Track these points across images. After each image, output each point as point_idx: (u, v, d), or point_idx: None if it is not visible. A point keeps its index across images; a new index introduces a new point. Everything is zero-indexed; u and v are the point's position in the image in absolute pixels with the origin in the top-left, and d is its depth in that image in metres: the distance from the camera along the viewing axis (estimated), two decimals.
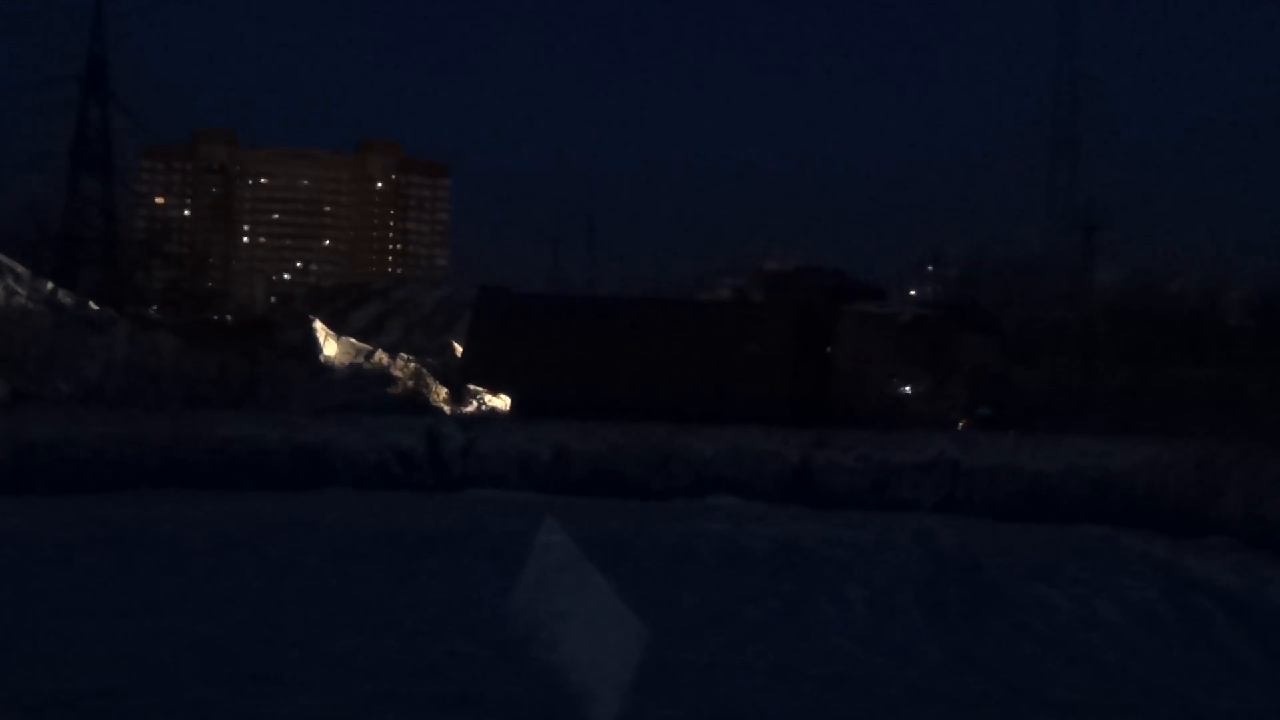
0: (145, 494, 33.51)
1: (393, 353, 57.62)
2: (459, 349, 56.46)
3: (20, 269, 55.01)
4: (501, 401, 50.66)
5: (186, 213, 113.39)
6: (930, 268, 65.30)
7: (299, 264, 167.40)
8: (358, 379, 53.18)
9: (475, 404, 52.19)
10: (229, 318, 65.62)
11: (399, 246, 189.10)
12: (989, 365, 48.15)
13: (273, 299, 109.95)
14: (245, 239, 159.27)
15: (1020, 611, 21.77)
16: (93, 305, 55.76)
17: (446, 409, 51.41)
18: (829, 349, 47.23)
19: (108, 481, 35.03)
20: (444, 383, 54.85)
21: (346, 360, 54.84)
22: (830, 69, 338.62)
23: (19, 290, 53.27)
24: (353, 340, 57.22)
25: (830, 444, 37.83)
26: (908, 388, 48.04)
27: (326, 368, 53.47)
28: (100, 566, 22.71)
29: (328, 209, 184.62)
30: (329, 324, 57.37)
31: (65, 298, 54.81)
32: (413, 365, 56.23)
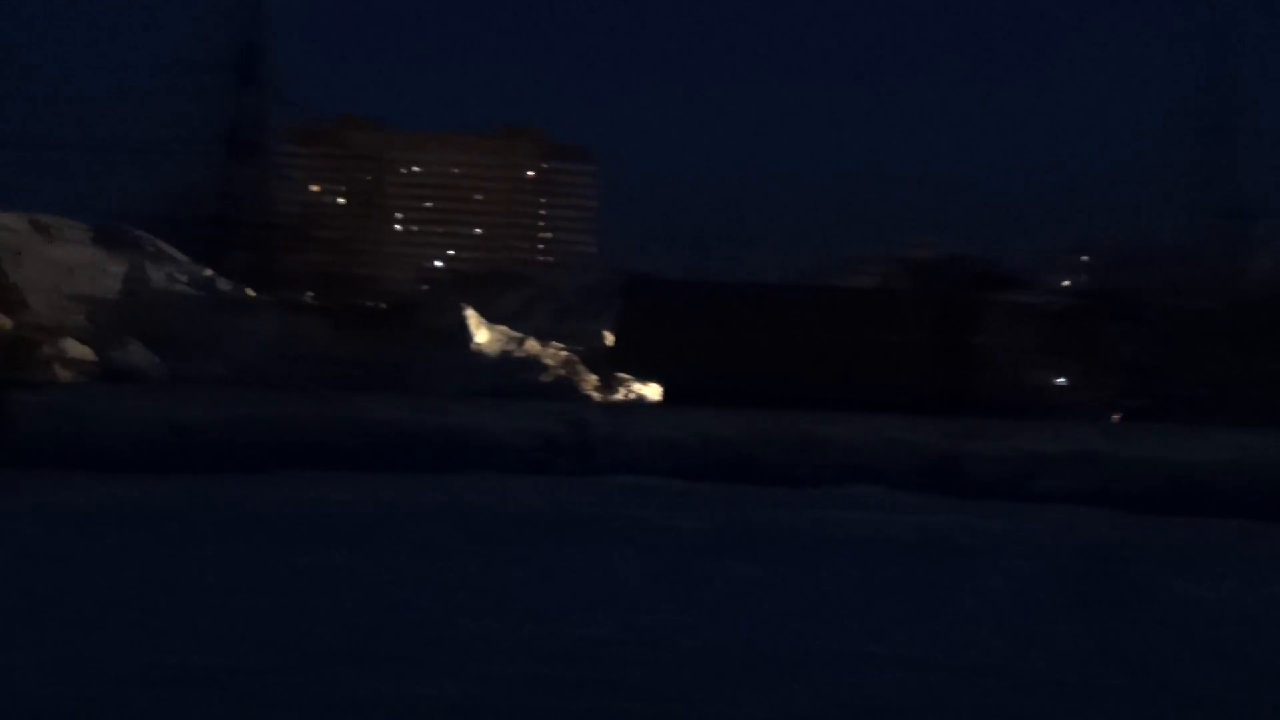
0: (293, 475, 33.99)
1: (541, 339, 57.97)
2: (607, 336, 56.66)
3: (179, 254, 56.08)
4: (650, 389, 50.78)
5: (337, 198, 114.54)
6: (1082, 257, 64.40)
7: (448, 250, 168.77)
8: (507, 365, 53.61)
9: (623, 391, 52.39)
10: (379, 303, 66.25)
11: (547, 233, 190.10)
12: (1139, 355, 47.44)
13: (422, 285, 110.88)
14: (395, 225, 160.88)
15: (1165, 606, 21.44)
16: (246, 290, 56.69)
17: (594, 396, 51.66)
18: (975, 338, 46.80)
19: (257, 463, 35.61)
20: (592, 370, 55.11)
21: (497, 346, 55.29)
22: (970, 56, 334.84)
23: (178, 275, 54.33)
24: (503, 327, 57.63)
25: (976, 434, 37.51)
26: (1057, 378, 47.49)
27: (476, 353, 53.97)
28: (248, 546, 23.09)
29: (476, 195, 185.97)
30: (478, 310, 57.84)
31: (219, 282, 55.78)
32: (562, 352, 56.53)
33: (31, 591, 18.10)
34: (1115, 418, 45.47)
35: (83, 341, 49.46)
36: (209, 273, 56.62)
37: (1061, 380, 46.60)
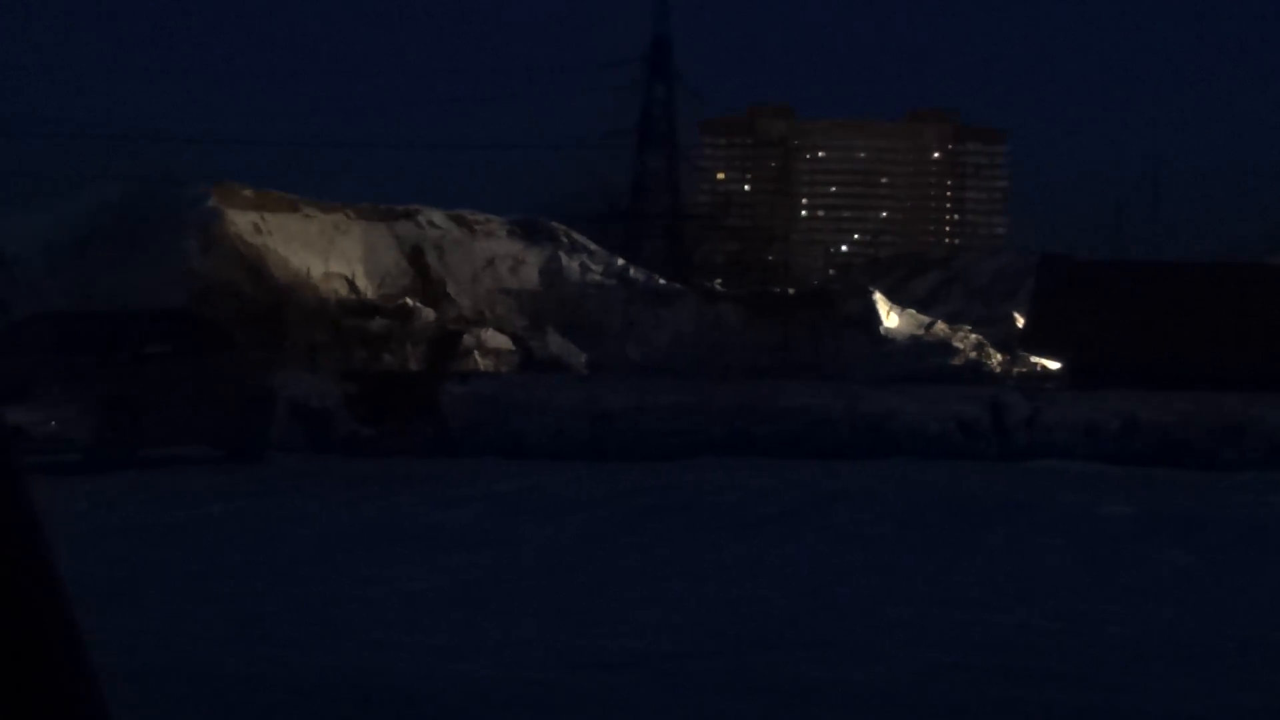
0: (712, 462, 34.35)
1: (952, 323, 57.35)
2: (1019, 319, 55.68)
3: (593, 245, 57.47)
4: (1064, 371, 49.62)
5: (746, 187, 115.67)
6: None
7: (856, 235, 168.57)
8: (918, 349, 53.22)
9: (1038, 374, 51.37)
10: (790, 290, 66.61)
11: (956, 216, 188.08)
12: None
13: (831, 271, 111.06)
14: (804, 212, 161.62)
15: None
16: (660, 279, 57.70)
17: (1009, 379, 50.82)
18: None
19: (676, 449, 36.10)
20: (1005, 353, 54.25)
21: (907, 331, 54.94)
22: None
23: (592, 266, 55.67)
24: (913, 311, 57.24)
25: None
26: None
27: (887, 339, 53.72)
28: (670, 532, 23.44)
29: (884, 180, 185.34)
30: (887, 295, 57.57)
31: (634, 272, 56.92)
32: (973, 336, 55.83)
33: (465, 578, 18.71)
34: None
35: (502, 331, 51.16)
36: (621, 262, 57.79)
37: None
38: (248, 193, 52.49)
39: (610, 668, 13.22)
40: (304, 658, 13.41)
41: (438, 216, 55.98)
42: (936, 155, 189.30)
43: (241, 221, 50.02)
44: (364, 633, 14.71)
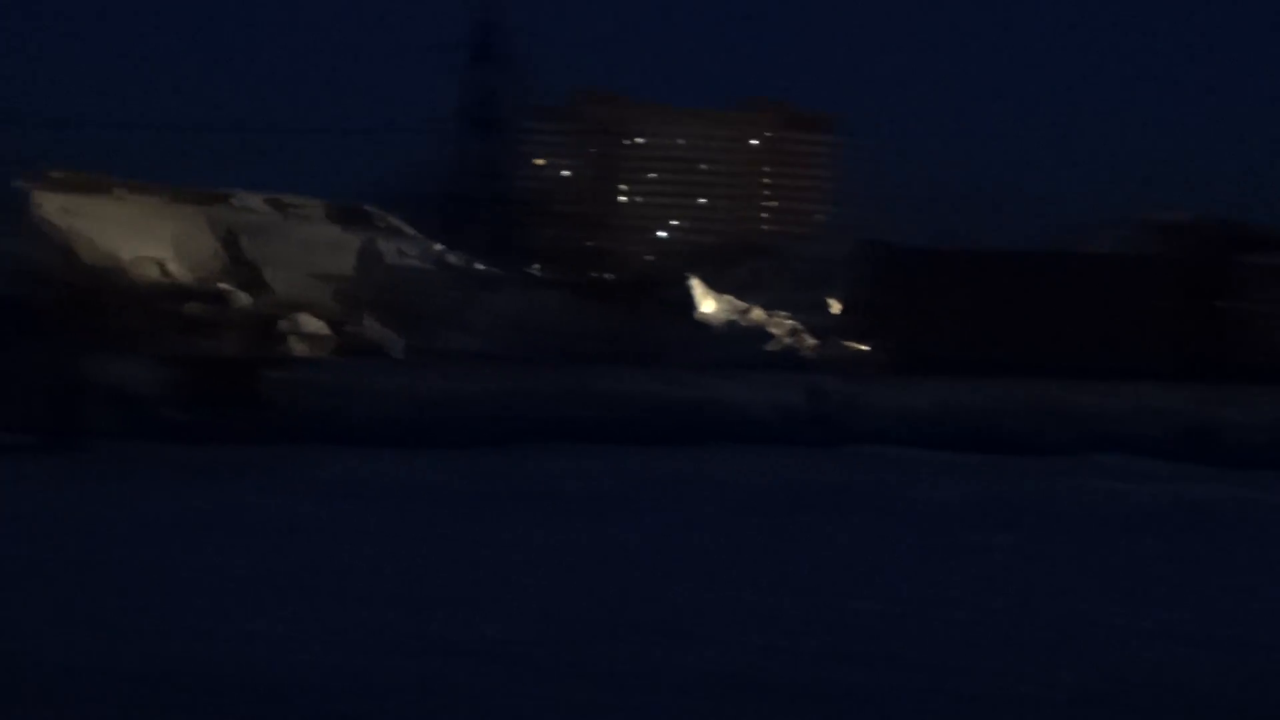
0: (534, 448, 34.25)
1: (770, 309, 57.81)
2: (837, 305, 56.31)
3: (411, 231, 56.98)
4: (882, 358, 50.29)
5: (569, 173, 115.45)
6: None
7: (677, 222, 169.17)
8: (735, 335, 53.60)
9: (855, 360, 51.99)
10: (610, 275, 66.64)
11: (777, 203, 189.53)
12: None
13: (652, 257, 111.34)
14: (624, 198, 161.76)
15: None
16: (481, 264, 57.38)
17: (826, 365, 51.38)
18: (1223, 302, 45.56)
19: (498, 436, 35.95)
20: (821, 339, 54.84)
21: (725, 317, 55.30)
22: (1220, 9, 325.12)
23: (411, 251, 55.22)
24: (730, 297, 57.61)
25: (1231, 401, 36.53)
26: None
27: (704, 324, 54.03)
28: (493, 519, 23.35)
29: (704, 167, 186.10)
30: (707, 281, 57.89)
31: (455, 258, 56.55)
32: (790, 321, 56.35)
33: (299, 564, 18.48)
34: None
35: (319, 317, 50.56)
36: (440, 248, 57.41)
37: None
38: (56, 174, 51.28)
39: (448, 655, 13.09)
40: (131, 648, 13.12)
41: (254, 200, 55.17)
42: (757, 142, 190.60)
43: (49, 204, 48.85)
44: (195, 623, 14.43)
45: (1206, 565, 20.89)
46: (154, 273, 50.89)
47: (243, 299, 50.46)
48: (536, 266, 64.85)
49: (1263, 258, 46.41)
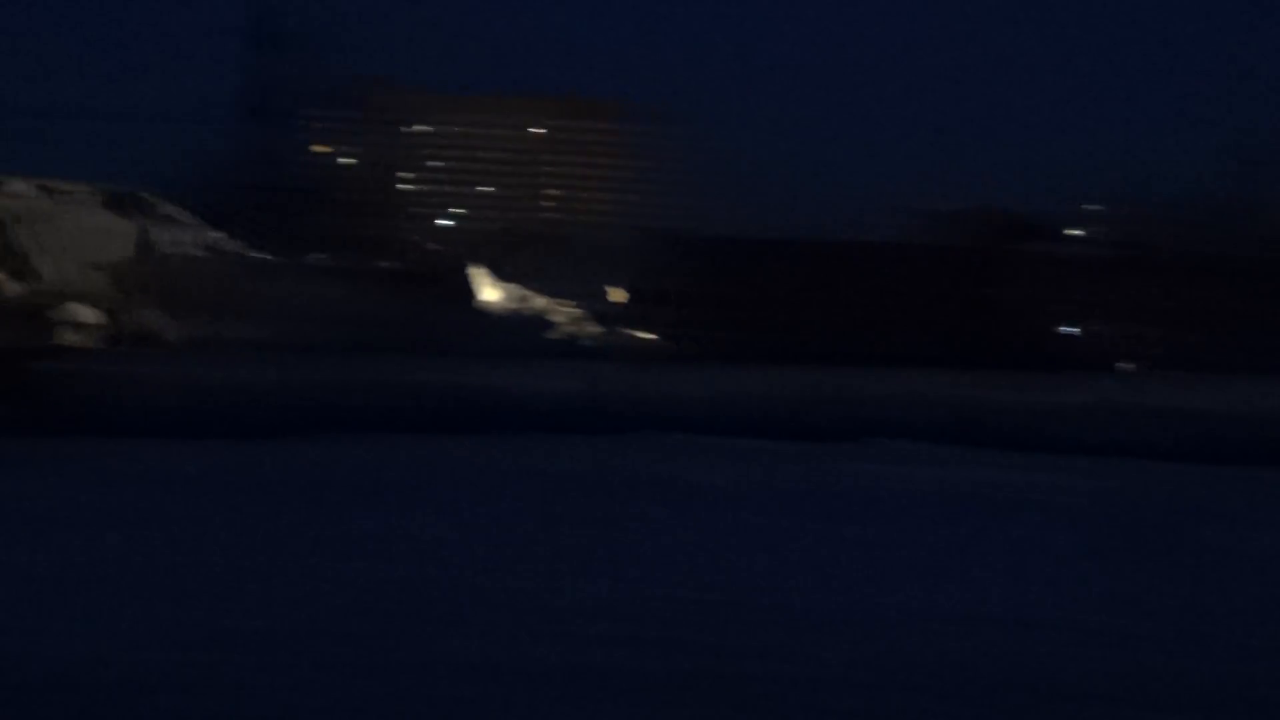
0: (313, 437, 33.85)
1: (553, 297, 57.94)
2: (621, 293, 56.59)
3: (188, 218, 56.00)
4: (663, 345, 50.76)
5: (350, 160, 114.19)
6: (1095, 206, 64.15)
7: (460, 210, 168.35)
8: (518, 323, 53.64)
9: (637, 348, 52.33)
10: (392, 264, 66.18)
11: (561, 192, 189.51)
12: (1157, 304, 47.32)
13: (435, 245, 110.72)
14: (407, 186, 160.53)
15: (1192, 553, 21.43)
16: (259, 253, 56.65)
17: (609, 353, 51.64)
18: (996, 289, 46.74)
19: (276, 425, 35.42)
20: (604, 326, 55.09)
21: (507, 305, 55.32)
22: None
23: (186, 239, 54.30)
24: (514, 285, 57.65)
25: (999, 386, 37.47)
26: (1073, 328, 47.42)
27: (486, 312, 53.99)
28: (267, 508, 23.06)
29: (487, 155, 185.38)
30: (490, 270, 57.81)
31: (232, 245, 55.75)
32: (572, 309, 56.54)
33: (61, 556, 18.06)
34: (1129, 367, 45.45)
35: (92, 306, 49.48)
36: (217, 235, 56.55)
37: (1084, 330, 46.52)
38: None
39: (236, 648, 12.87)
40: None
41: (22, 185, 53.74)
42: (540, 131, 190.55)
43: None
44: None
45: (979, 547, 21.41)
46: None
47: (10, 288, 49.17)
48: (317, 255, 64.17)
49: (1033, 246, 47.74)
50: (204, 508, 23.03)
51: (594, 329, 54.66)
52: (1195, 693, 13.01)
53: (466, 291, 54.39)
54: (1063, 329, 45.98)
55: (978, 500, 26.39)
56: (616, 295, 57.07)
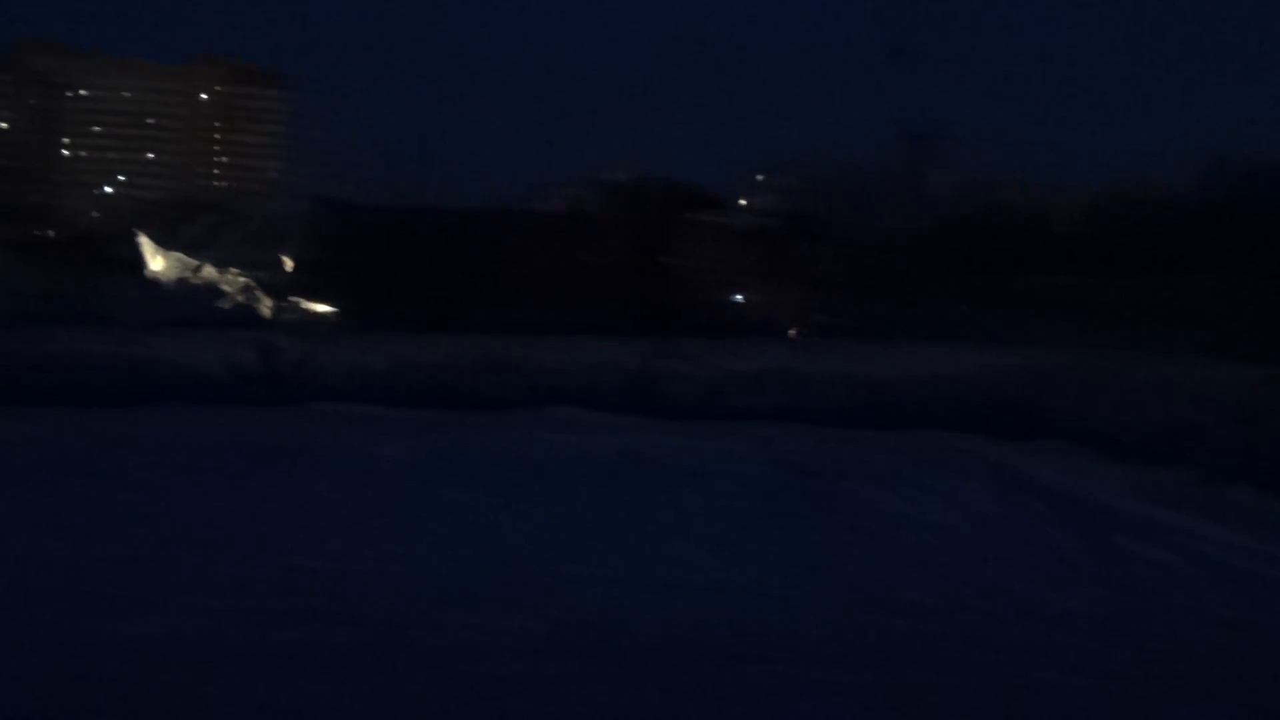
0: None
1: (222, 266, 56.83)
2: (290, 262, 55.76)
3: None
4: (337, 314, 50.16)
5: (6, 125, 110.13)
6: (763, 177, 65.60)
7: (123, 177, 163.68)
8: (186, 292, 52.48)
9: (309, 317, 51.67)
10: (53, 233, 64.17)
11: (228, 159, 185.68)
12: (824, 274, 48.54)
13: (97, 213, 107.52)
14: (67, 152, 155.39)
15: (858, 515, 22.06)
16: None
17: (280, 323, 50.87)
18: (670, 259, 47.38)
19: None
20: (275, 296, 54.25)
21: (175, 274, 54.05)
22: None
23: None
24: (180, 254, 56.37)
25: (671, 354, 37.97)
26: (743, 296, 48.35)
27: (154, 282, 52.68)
28: None
29: (150, 120, 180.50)
30: (156, 238, 56.40)
31: None
32: (242, 279, 55.54)
33: None
34: (793, 333, 46.55)
35: None
36: None
37: (754, 298, 47.47)
38: None
39: None
40: None
41: None
42: (206, 97, 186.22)
43: None
44: None
45: (647, 512, 21.69)
46: None
47: None
48: None
49: (702, 216, 48.54)
50: None
51: (267, 299, 53.73)
52: (866, 650, 13.40)
53: (133, 261, 52.88)
54: (733, 298, 46.83)
55: (651, 467, 26.74)
56: (289, 265, 56.21)
